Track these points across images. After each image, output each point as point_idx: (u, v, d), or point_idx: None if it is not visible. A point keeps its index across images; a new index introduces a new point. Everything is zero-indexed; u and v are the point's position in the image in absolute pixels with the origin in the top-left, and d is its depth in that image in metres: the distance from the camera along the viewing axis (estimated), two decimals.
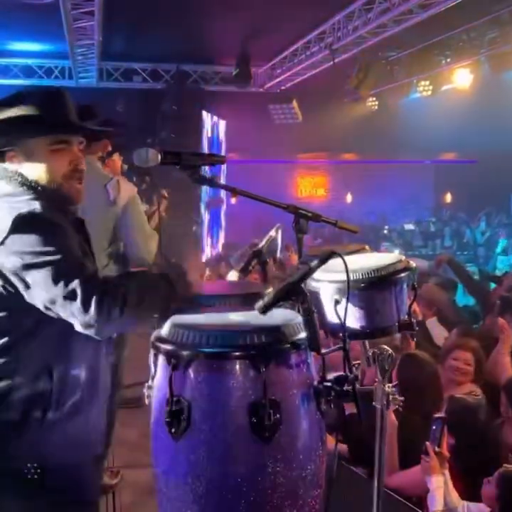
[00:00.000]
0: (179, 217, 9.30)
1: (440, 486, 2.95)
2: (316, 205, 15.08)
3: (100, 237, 3.49)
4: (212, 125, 12.92)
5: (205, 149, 11.98)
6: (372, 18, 8.09)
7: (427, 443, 3.00)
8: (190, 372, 1.79)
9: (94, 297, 1.81)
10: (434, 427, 3.03)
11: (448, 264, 6.92)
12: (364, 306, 2.08)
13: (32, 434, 1.94)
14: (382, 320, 2.11)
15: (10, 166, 2.03)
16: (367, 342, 2.20)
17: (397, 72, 11.65)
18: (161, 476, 1.89)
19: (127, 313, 1.86)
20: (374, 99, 13.57)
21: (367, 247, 2.56)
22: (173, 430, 1.79)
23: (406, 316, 2.16)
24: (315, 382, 1.87)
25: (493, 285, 7.21)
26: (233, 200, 13.61)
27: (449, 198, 17.85)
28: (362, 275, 2.06)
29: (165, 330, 1.92)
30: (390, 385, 2.18)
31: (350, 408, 2.03)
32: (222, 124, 13.43)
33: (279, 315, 1.93)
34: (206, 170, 2.27)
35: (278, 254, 2.98)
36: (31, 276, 1.85)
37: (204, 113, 12.23)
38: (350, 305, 1.95)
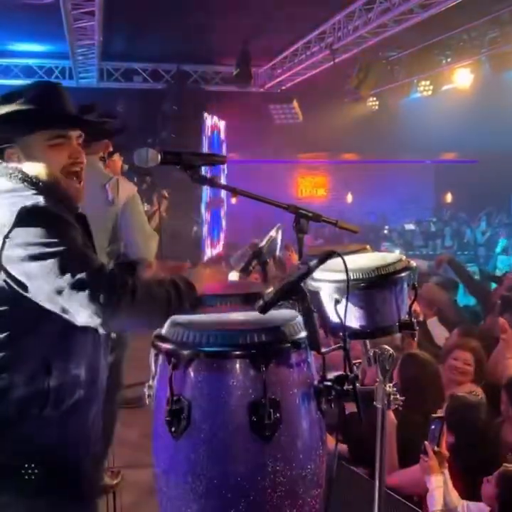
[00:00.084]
0: (179, 217, 9.31)
1: (439, 485, 2.95)
2: (317, 205, 15.08)
3: (100, 237, 3.49)
4: (213, 125, 12.91)
5: (206, 149, 11.97)
6: (373, 17, 8.08)
7: (426, 442, 3.00)
8: (191, 371, 1.79)
9: (103, 287, 1.81)
10: (432, 427, 3.03)
11: (448, 264, 6.92)
12: (364, 306, 2.08)
13: (30, 432, 1.94)
14: (383, 319, 2.11)
15: (10, 163, 2.03)
16: (368, 342, 2.20)
17: (397, 72, 11.65)
18: (161, 476, 1.90)
19: (135, 306, 1.85)
20: (374, 99, 13.56)
21: (368, 246, 2.55)
22: (173, 429, 1.79)
23: (406, 316, 2.16)
24: (315, 382, 1.87)
25: (493, 285, 7.21)
26: (233, 200, 13.61)
27: (449, 197, 17.84)
28: (362, 275, 2.06)
29: (165, 329, 1.92)
30: (391, 384, 2.18)
31: (349, 408, 2.03)
32: (222, 124, 13.42)
33: (279, 314, 1.93)
34: (207, 170, 2.27)
35: (277, 252, 2.97)
36: (36, 268, 1.84)
37: (204, 113, 12.22)
38: (350, 304, 1.95)
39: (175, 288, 1.95)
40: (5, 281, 1.91)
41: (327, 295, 2.08)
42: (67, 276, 1.81)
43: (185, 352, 1.79)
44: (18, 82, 10.84)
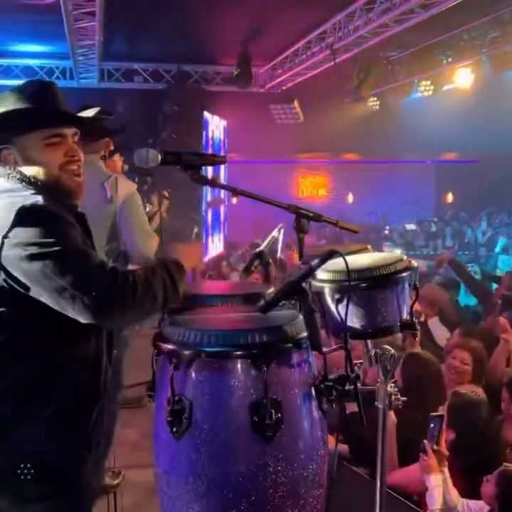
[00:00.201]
0: (180, 217, 9.30)
1: (439, 484, 2.95)
2: (317, 205, 15.09)
3: (99, 235, 3.49)
4: (214, 125, 12.92)
5: (206, 149, 11.97)
6: (373, 17, 8.08)
7: (425, 441, 3.00)
8: (192, 371, 1.79)
9: (104, 285, 1.82)
10: (432, 425, 3.03)
11: (449, 264, 6.92)
12: (365, 306, 2.08)
13: (29, 432, 1.93)
14: (384, 319, 2.11)
15: (7, 164, 2.03)
16: (369, 342, 2.20)
17: (398, 72, 11.65)
18: (162, 476, 1.90)
19: (137, 301, 1.86)
20: (375, 99, 13.56)
21: (369, 247, 2.55)
22: (174, 430, 1.79)
23: (408, 316, 2.16)
24: (316, 382, 1.87)
25: (494, 285, 7.21)
26: (234, 201, 13.62)
27: (450, 197, 17.84)
28: (363, 275, 2.06)
29: (166, 329, 1.92)
30: (392, 384, 2.18)
31: (350, 408, 2.03)
32: (223, 124, 13.43)
33: (281, 314, 1.93)
34: (208, 170, 2.26)
35: (278, 254, 2.97)
36: (37, 268, 1.83)
37: (205, 113, 12.22)
38: (351, 304, 1.95)
39: (169, 275, 1.97)
40: (5, 281, 1.90)
41: (328, 295, 2.08)
42: (68, 275, 1.81)
43: (187, 352, 1.79)
44: (19, 83, 10.84)
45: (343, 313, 1.93)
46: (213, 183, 2.23)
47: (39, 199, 1.92)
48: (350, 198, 17.33)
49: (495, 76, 10.55)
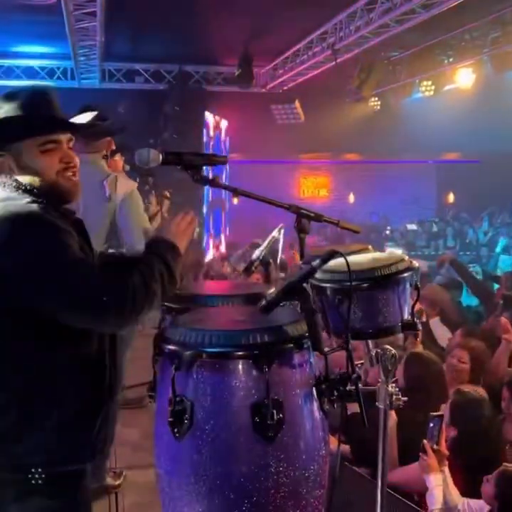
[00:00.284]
0: None
1: (439, 484, 2.94)
2: (319, 205, 15.08)
3: (98, 233, 3.51)
4: (215, 125, 12.92)
5: (207, 150, 11.98)
6: (375, 18, 8.08)
7: (425, 441, 3.00)
8: (193, 372, 1.79)
9: (103, 293, 1.81)
10: (431, 425, 3.02)
11: (450, 264, 6.93)
12: (367, 306, 2.08)
13: (37, 438, 1.92)
14: (385, 320, 2.11)
15: (2, 171, 2.01)
16: (370, 342, 2.20)
17: (399, 72, 11.64)
18: (163, 476, 1.89)
19: (137, 305, 1.85)
20: (376, 99, 13.56)
21: (370, 247, 2.55)
22: (175, 430, 1.79)
23: (409, 316, 2.16)
24: (318, 382, 1.87)
25: (495, 285, 7.21)
26: (235, 201, 13.62)
27: (451, 198, 17.83)
28: (364, 275, 2.06)
29: (167, 330, 1.92)
30: (393, 384, 2.18)
31: (352, 408, 2.03)
32: (224, 125, 13.43)
33: (282, 315, 1.93)
34: (209, 170, 2.26)
35: (279, 254, 2.97)
36: (34, 277, 1.83)
37: (206, 113, 12.23)
38: (352, 305, 1.95)
39: (166, 266, 1.95)
40: (3, 290, 1.88)
41: (329, 295, 2.08)
42: (66, 284, 1.81)
43: (188, 352, 1.79)
44: (20, 83, 10.87)
45: (344, 314, 1.93)
46: (214, 184, 2.23)
47: (34, 207, 1.91)
48: (352, 198, 17.32)
49: (496, 76, 10.55)
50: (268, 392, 1.73)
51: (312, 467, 1.83)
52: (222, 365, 1.78)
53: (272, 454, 1.76)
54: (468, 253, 14.09)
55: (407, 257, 2.21)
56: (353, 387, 1.82)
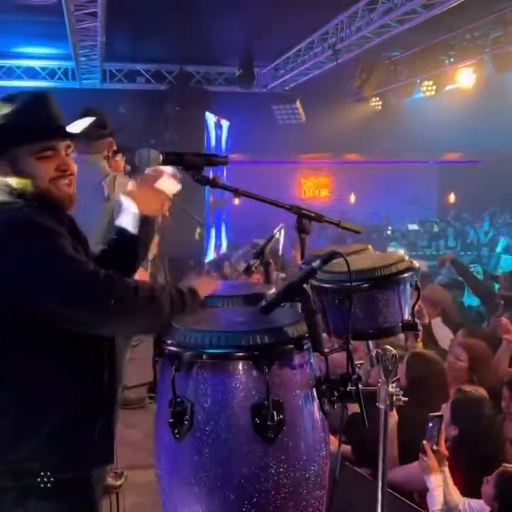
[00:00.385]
0: (182, 218, 9.28)
1: (439, 484, 2.94)
2: (320, 205, 15.09)
3: (97, 233, 3.51)
4: (216, 126, 12.92)
5: (208, 150, 11.98)
6: (376, 18, 8.07)
7: (424, 442, 3.00)
8: (193, 373, 1.79)
9: (98, 292, 1.81)
10: (431, 425, 3.02)
11: (451, 264, 6.92)
12: (367, 307, 2.08)
13: (37, 440, 1.91)
14: (386, 320, 2.11)
15: None
16: (370, 342, 2.20)
17: (400, 72, 11.64)
18: (164, 477, 1.89)
19: (138, 306, 1.85)
20: (377, 99, 13.56)
21: (370, 247, 2.55)
22: (176, 431, 1.79)
23: (409, 316, 2.16)
24: (318, 383, 1.86)
25: (496, 285, 7.21)
26: (236, 201, 13.62)
27: (452, 198, 17.83)
28: (365, 275, 2.06)
29: (167, 330, 1.91)
30: (394, 385, 2.17)
31: (353, 408, 2.02)
32: (225, 125, 13.43)
33: (282, 315, 1.93)
34: (210, 171, 2.26)
35: (280, 253, 2.98)
36: (27, 280, 1.83)
37: (207, 114, 12.23)
38: (353, 305, 1.95)
39: (178, 292, 1.95)
40: (2, 292, 1.87)
41: (330, 296, 2.08)
42: (60, 285, 1.81)
43: (188, 353, 1.79)
44: (21, 84, 10.88)
45: (344, 314, 1.93)
46: (215, 184, 2.23)
47: (26, 211, 1.90)
48: (353, 198, 17.32)
49: (497, 76, 10.54)
50: (268, 393, 1.72)
51: (312, 468, 1.83)
52: (223, 366, 1.78)
53: (273, 455, 1.76)
54: (469, 253, 14.09)
55: (407, 257, 2.21)
56: (354, 388, 1.82)
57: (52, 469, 1.92)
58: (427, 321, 5.40)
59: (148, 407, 2.01)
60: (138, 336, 3.13)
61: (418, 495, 3.27)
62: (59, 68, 11.30)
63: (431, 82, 11.68)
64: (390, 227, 16.40)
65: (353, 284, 1.91)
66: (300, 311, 1.87)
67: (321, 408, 1.86)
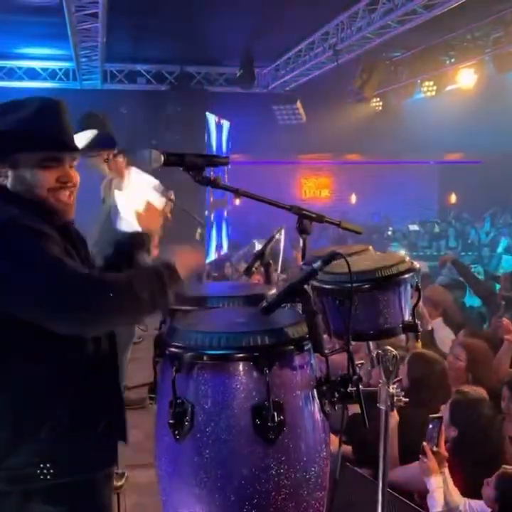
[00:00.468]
0: (183, 218, 9.29)
1: (439, 486, 2.94)
2: (320, 206, 15.08)
3: (93, 234, 3.54)
4: (216, 126, 12.92)
5: (209, 151, 11.98)
6: (376, 18, 8.07)
7: (424, 443, 2.99)
8: (194, 374, 1.79)
9: (81, 291, 1.79)
10: (430, 427, 3.02)
11: (452, 264, 6.92)
12: (368, 308, 2.08)
13: (36, 445, 1.90)
14: (386, 321, 2.11)
15: None
16: (371, 343, 2.20)
17: (401, 73, 11.63)
18: (164, 478, 1.89)
19: (117, 302, 1.83)
20: (378, 99, 13.56)
21: (370, 247, 2.55)
22: (176, 432, 1.79)
23: (410, 317, 2.16)
24: (318, 384, 1.86)
25: (497, 286, 7.20)
26: (237, 202, 13.62)
27: (453, 198, 17.81)
28: (365, 276, 2.05)
29: (168, 332, 1.92)
30: (394, 386, 2.17)
31: (354, 409, 2.02)
32: (226, 125, 13.43)
33: (283, 316, 1.93)
34: (212, 171, 2.27)
35: (281, 254, 2.97)
36: (11, 282, 1.80)
37: (208, 114, 12.23)
38: (353, 306, 1.94)
39: (157, 277, 1.92)
40: None
41: (330, 297, 2.08)
42: (44, 287, 1.79)
43: (188, 354, 1.79)
44: (21, 84, 10.88)
45: (345, 315, 1.93)
46: (216, 185, 2.23)
47: (15, 212, 1.89)
48: (353, 198, 17.31)
49: (498, 76, 10.53)
50: (269, 394, 1.72)
51: (313, 469, 1.83)
52: (223, 367, 1.78)
53: (273, 456, 1.76)
54: (470, 253, 14.09)
55: (408, 258, 2.21)
56: (354, 389, 1.82)
57: (53, 472, 1.91)
58: (429, 328, 5.41)
59: (149, 407, 2.01)
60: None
61: (418, 495, 3.27)
62: (60, 69, 11.30)
63: (431, 83, 11.67)
64: (390, 228, 16.38)
65: (354, 285, 1.91)
66: (301, 312, 1.87)
67: (322, 409, 1.86)
